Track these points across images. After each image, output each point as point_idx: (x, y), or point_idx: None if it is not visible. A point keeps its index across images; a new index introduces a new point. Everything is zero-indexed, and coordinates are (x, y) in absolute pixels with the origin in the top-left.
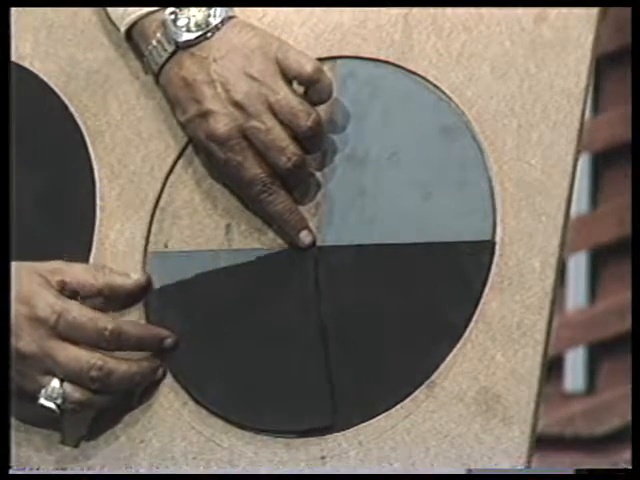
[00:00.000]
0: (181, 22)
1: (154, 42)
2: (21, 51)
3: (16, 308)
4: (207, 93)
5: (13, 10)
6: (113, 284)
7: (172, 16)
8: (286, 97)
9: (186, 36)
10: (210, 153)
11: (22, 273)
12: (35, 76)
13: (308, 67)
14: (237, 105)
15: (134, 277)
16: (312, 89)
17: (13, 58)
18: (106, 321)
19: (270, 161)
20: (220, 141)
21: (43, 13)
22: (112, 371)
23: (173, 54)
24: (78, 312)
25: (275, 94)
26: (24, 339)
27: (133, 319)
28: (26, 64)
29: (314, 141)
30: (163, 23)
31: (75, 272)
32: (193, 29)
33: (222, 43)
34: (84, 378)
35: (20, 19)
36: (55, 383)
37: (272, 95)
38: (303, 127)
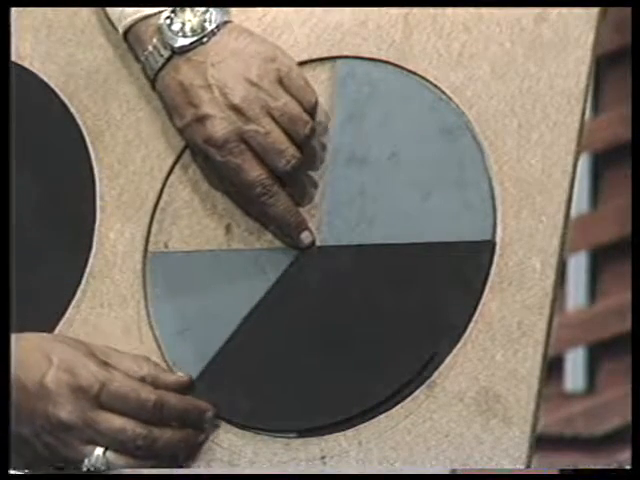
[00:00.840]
0: (176, 27)
1: (150, 47)
2: (21, 51)
3: (58, 376)
4: (204, 97)
5: (13, 10)
6: (156, 376)
7: (167, 21)
8: (286, 104)
9: (182, 41)
10: (208, 158)
11: (65, 342)
12: (35, 76)
13: (312, 99)
14: (235, 109)
15: (178, 374)
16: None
17: (13, 58)
18: (149, 392)
19: (269, 164)
20: (218, 145)
21: (43, 13)
22: (157, 439)
23: (169, 59)
24: (121, 382)
25: (275, 100)
26: (66, 408)
27: (133, 319)
28: (26, 64)
29: (306, 146)
30: (159, 28)
31: (121, 357)
32: (189, 34)
33: (219, 48)
34: (129, 447)
35: (20, 19)
36: (98, 451)
37: (272, 101)
38: (301, 135)
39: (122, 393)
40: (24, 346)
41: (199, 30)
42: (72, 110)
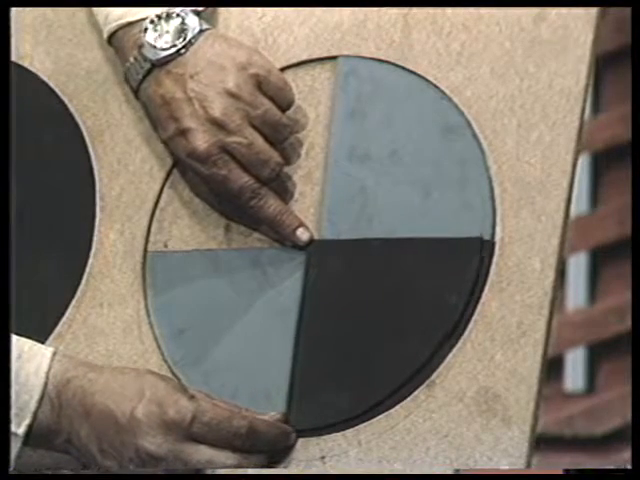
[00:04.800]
0: (155, 40)
1: (131, 59)
2: (21, 51)
3: (149, 409)
4: (185, 111)
5: (13, 10)
6: (250, 418)
7: (146, 33)
8: (267, 112)
9: (160, 54)
10: (193, 170)
11: (158, 376)
12: (35, 76)
13: (291, 99)
14: (215, 122)
15: (270, 413)
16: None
17: (13, 58)
18: (241, 420)
19: (254, 173)
20: (201, 159)
21: (43, 13)
22: (245, 468)
23: (150, 72)
24: (213, 412)
25: (255, 109)
26: (156, 441)
27: (133, 319)
28: (26, 64)
29: (286, 149)
30: (138, 40)
31: (214, 402)
32: (167, 46)
33: (197, 58)
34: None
35: (20, 19)
36: None
37: (252, 110)
38: (282, 140)
39: (215, 423)
40: (120, 379)
41: (177, 42)
42: (72, 110)
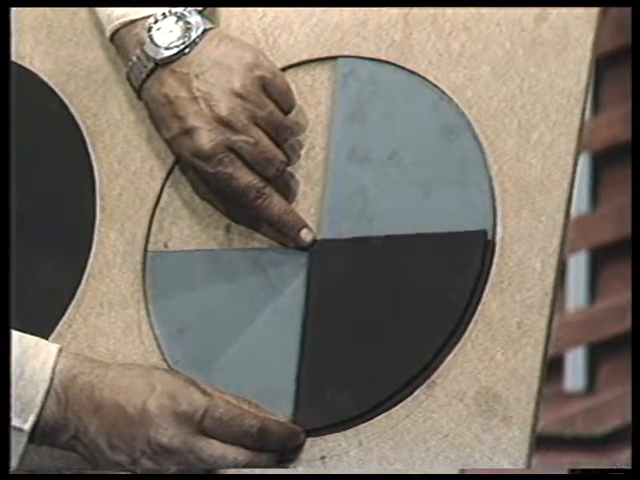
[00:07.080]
0: (159, 39)
1: (134, 58)
2: (21, 51)
3: (161, 401)
4: (190, 110)
5: (13, 10)
6: (262, 418)
7: (150, 32)
8: (272, 113)
9: (164, 53)
10: (198, 169)
11: (167, 371)
12: (35, 76)
13: (293, 103)
14: (222, 121)
15: (279, 415)
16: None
17: (13, 58)
18: (253, 419)
19: (259, 172)
20: (206, 157)
21: (43, 13)
22: (256, 466)
23: (153, 71)
24: (225, 408)
25: (261, 110)
26: (168, 433)
27: (133, 319)
28: (26, 64)
29: (286, 149)
30: (141, 39)
31: (227, 399)
32: (171, 46)
33: (202, 58)
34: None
35: (20, 19)
36: None
37: (258, 111)
38: (283, 142)
39: (226, 419)
40: (129, 374)
41: (181, 41)
42: (72, 110)
